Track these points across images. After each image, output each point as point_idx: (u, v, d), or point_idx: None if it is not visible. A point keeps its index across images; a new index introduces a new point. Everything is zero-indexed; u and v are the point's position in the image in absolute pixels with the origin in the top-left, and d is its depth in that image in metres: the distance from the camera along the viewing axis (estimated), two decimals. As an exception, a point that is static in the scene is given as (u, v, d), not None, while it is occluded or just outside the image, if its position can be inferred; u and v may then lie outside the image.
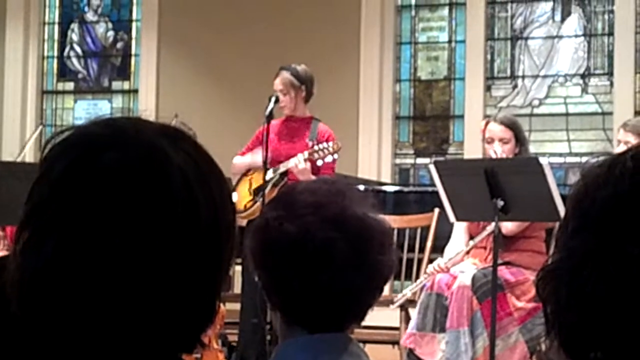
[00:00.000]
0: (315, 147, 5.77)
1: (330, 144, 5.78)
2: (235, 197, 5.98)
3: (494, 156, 5.25)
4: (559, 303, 1.02)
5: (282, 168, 5.83)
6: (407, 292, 5.35)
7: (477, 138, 5.44)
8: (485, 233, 5.08)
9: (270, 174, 5.84)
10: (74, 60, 9.87)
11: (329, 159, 5.77)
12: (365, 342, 6.07)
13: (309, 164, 5.74)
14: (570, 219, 1.04)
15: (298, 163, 5.72)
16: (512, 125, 5.32)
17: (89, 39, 9.86)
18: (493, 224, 4.78)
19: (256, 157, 5.92)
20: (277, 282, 1.73)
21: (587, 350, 1.01)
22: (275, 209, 1.75)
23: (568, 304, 1.01)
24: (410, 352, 5.14)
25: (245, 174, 6.07)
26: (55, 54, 9.88)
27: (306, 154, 5.75)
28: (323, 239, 1.70)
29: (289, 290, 1.71)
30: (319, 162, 5.76)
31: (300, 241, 1.70)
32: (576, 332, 1.01)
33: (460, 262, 5.24)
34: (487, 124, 5.39)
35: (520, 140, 5.29)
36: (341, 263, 1.71)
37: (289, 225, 1.71)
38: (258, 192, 5.87)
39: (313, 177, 5.68)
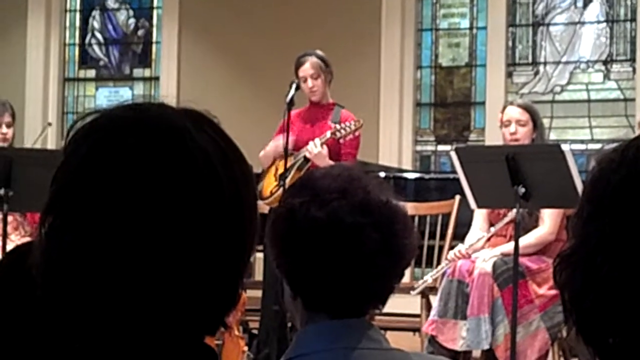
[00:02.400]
0: (337, 126, 5.79)
1: (352, 122, 5.80)
2: (260, 185, 6.02)
3: (507, 137, 5.23)
4: (575, 289, 1.02)
5: (305, 152, 5.85)
6: (428, 279, 5.35)
7: (498, 125, 5.42)
8: (506, 219, 5.07)
9: (293, 159, 5.85)
10: (96, 47, 9.90)
11: (350, 136, 5.79)
12: (386, 329, 6.08)
13: (325, 149, 5.75)
14: (584, 205, 1.04)
15: (314, 147, 5.73)
16: (529, 109, 5.31)
17: (110, 27, 9.88)
18: (514, 211, 4.77)
19: (278, 142, 5.94)
20: (304, 268, 1.73)
21: (604, 336, 1.01)
22: (299, 196, 1.76)
23: (583, 290, 1.01)
24: (432, 338, 5.14)
25: (272, 164, 6.09)
26: (77, 41, 9.91)
27: (328, 133, 5.76)
28: (352, 223, 1.71)
29: (316, 275, 1.72)
30: (341, 141, 5.79)
31: (330, 226, 1.71)
32: (592, 317, 1.01)
33: (480, 249, 5.24)
34: (504, 108, 5.38)
35: (537, 125, 5.27)
36: (370, 247, 1.72)
37: (317, 210, 1.72)
38: (282, 177, 5.88)
39: (330, 162, 5.69)
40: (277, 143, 5.97)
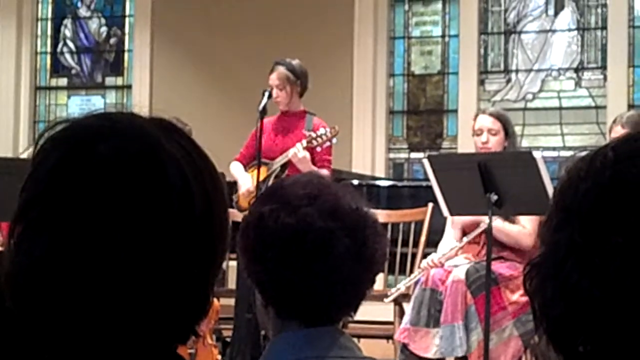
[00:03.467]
0: (313, 134, 5.80)
1: (328, 129, 5.81)
2: (236, 196, 6.01)
3: (479, 145, 5.26)
4: (545, 297, 1.03)
5: (282, 160, 5.85)
6: (401, 287, 5.36)
7: (470, 132, 5.44)
8: (479, 229, 5.09)
9: (267, 169, 5.85)
10: (67, 56, 9.86)
11: (327, 144, 5.81)
12: (359, 336, 6.07)
13: (307, 154, 5.76)
14: (553, 213, 1.05)
15: (297, 152, 5.74)
16: (501, 118, 5.33)
17: (82, 35, 9.84)
18: (486, 220, 4.78)
19: (245, 180, 5.94)
20: (275, 275, 1.73)
21: (574, 343, 1.02)
22: (268, 203, 1.75)
23: (553, 298, 1.02)
24: (404, 346, 5.15)
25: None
26: (49, 49, 9.86)
27: (304, 142, 5.77)
28: (322, 228, 1.71)
29: (287, 282, 1.71)
30: (318, 149, 5.81)
31: (300, 231, 1.71)
32: (563, 325, 1.02)
33: (454, 257, 5.25)
34: (476, 116, 5.41)
35: (509, 134, 5.29)
36: (341, 253, 1.71)
37: (287, 217, 1.71)
38: (260, 188, 5.88)
39: (313, 167, 5.71)
40: (242, 183, 5.95)
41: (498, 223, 4.95)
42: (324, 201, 1.74)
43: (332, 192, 1.76)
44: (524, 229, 5.15)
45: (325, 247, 1.71)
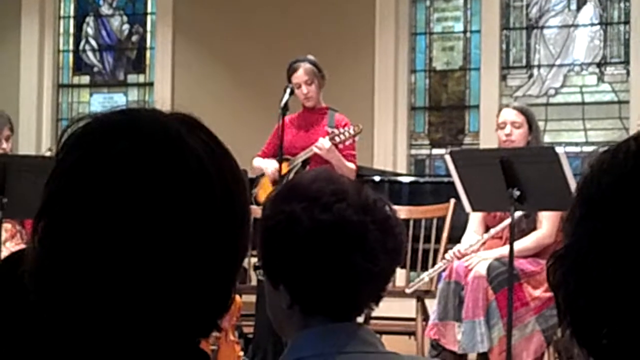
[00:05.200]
0: (336, 131, 5.81)
1: (351, 127, 5.83)
2: (255, 191, 6.03)
3: (502, 138, 5.25)
4: (568, 289, 1.03)
5: (304, 156, 5.85)
6: (425, 277, 5.36)
7: (492, 128, 5.44)
8: (503, 224, 5.08)
9: (289, 164, 5.87)
10: (90, 53, 9.90)
11: (350, 141, 5.82)
12: (381, 333, 6.07)
13: (332, 145, 5.79)
14: (577, 206, 1.05)
15: (323, 144, 5.75)
16: (525, 112, 5.32)
17: (104, 33, 9.88)
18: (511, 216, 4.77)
19: (270, 167, 5.95)
20: (309, 272, 1.73)
21: (598, 336, 1.02)
22: (299, 201, 1.75)
23: (577, 289, 1.02)
24: (435, 342, 5.14)
25: None
26: (71, 47, 9.90)
27: (327, 138, 5.78)
28: (358, 222, 1.73)
29: (320, 279, 1.73)
30: (340, 146, 5.82)
31: (337, 227, 1.73)
32: (586, 316, 1.02)
33: (477, 251, 5.24)
34: (500, 111, 5.41)
35: (532, 128, 5.28)
36: (373, 244, 1.74)
37: (322, 213, 1.73)
38: (280, 183, 5.88)
39: (341, 157, 5.73)
40: (267, 166, 5.97)
41: (515, 247, 4.89)
42: (351, 196, 1.76)
43: (354, 187, 1.79)
44: (539, 232, 5.13)
45: (361, 239, 1.73)
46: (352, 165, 5.89)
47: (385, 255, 1.76)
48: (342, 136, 5.80)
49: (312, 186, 1.77)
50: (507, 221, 4.97)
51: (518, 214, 4.92)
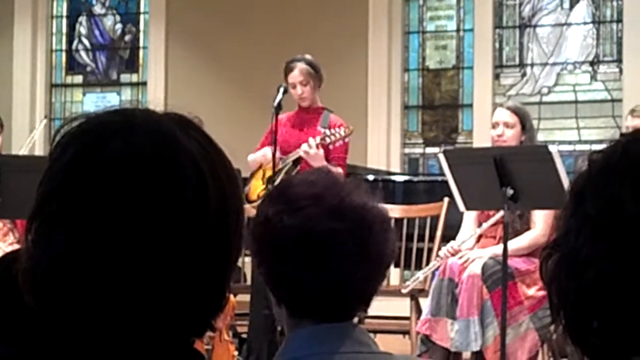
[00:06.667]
0: (327, 132, 5.80)
1: (342, 128, 5.81)
2: (247, 188, 6.02)
3: (495, 138, 5.25)
4: (560, 284, 1.04)
5: (294, 155, 5.84)
6: (420, 276, 5.36)
7: (486, 127, 5.45)
8: (494, 219, 5.08)
9: (281, 163, 5.85)
10: (83, 53, 9.88)
11: (340, 142, 5.80)
12: (375, 332, 6.08)
13: (321, 150, 5.76)
14: (569, 202, 1.07)
15: (309, 148, 5.73)
16: (518, 111, 5.32)
17: (97, 32, 9.87)
18: (501, 211, 4.78)
19: (267, 151, 5.93)
20: (281, 277, 1.73)
21: (588, 331, 1.02)
22: (275, 204, 1.75)
23: (569, 273, 1.03)
24: (426, 337, 5.14)
25: (259, 167, 6.08)
26: (64, 47, 9.89)
27: (318, 139, 5.77)
28: (324, 230, 1.69)
29: (294, 284, 1.71)
30: (331, 147, 5.81)
31: (302, 234, 1.69)
32: (577, 311, 1.03)
33: (471, 248, 5.24)
34: (494, 110, 5.41)
35: (526, 128, 5.28)
36: (343, 253, 1.70)
37: (290, 219, 1.71)
38: (270, 181, 5.87)
39: (325, 163, 5.70)
40: (265, 152, 5.97)
41: (510, 246, 4.90)
42: (327, 201, 1.72)
43: (338, 190, 1.74)
44: (533, 231, 5.14)
45: (328, 248, 1.69)
46: (339, 170, 5.87)
47: (363, 262, 1.71)
48: (332, 137, 5.78)
49: (295, 189, 1.75)
50: (500, 213, 4.96)
51: (513, 213, 4.92)
